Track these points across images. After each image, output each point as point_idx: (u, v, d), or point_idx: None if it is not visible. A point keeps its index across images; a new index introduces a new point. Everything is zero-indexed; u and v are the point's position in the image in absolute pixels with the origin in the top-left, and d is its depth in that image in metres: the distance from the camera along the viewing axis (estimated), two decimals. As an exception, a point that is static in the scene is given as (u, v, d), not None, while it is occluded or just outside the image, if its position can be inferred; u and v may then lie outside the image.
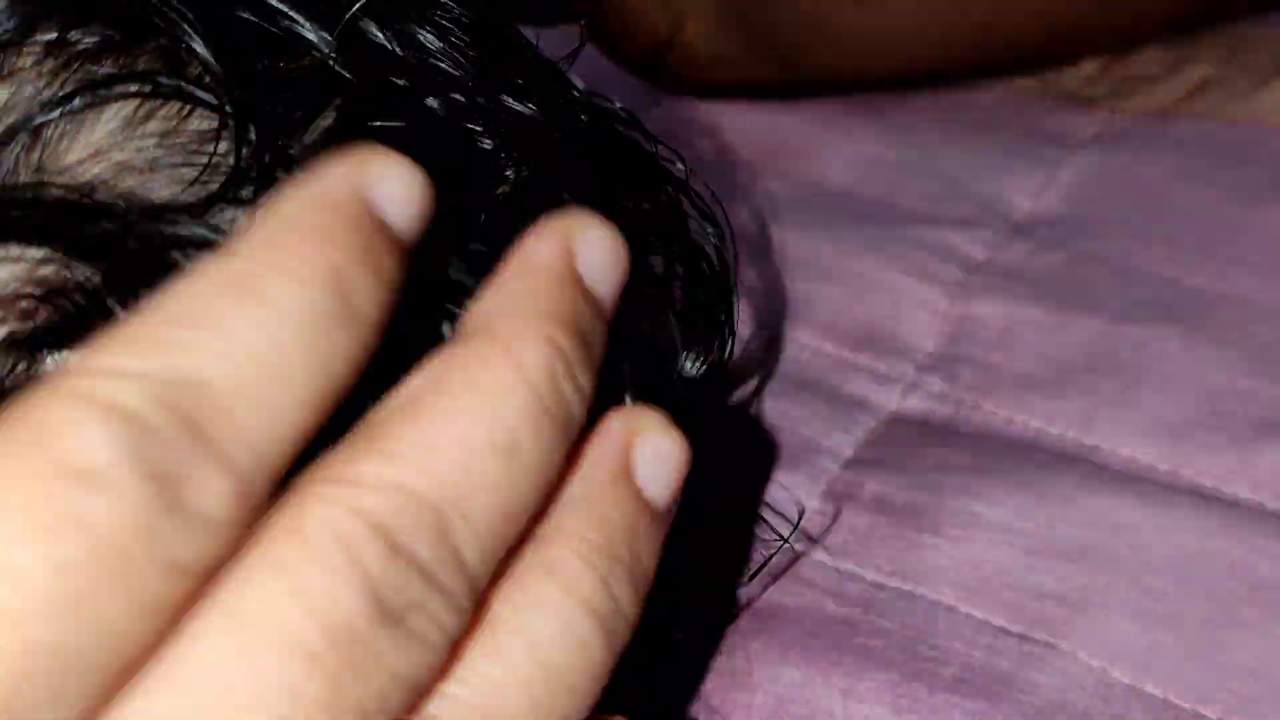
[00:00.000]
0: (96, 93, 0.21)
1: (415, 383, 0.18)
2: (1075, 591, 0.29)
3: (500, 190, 0.23)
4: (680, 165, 0.28)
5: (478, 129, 0.23)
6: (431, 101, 0.22)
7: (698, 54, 0.47)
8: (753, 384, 0.36)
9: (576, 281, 0.19)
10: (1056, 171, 0.44)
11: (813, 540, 0.32)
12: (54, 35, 0.21)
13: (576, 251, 0.19)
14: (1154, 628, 0.28)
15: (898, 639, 0.29)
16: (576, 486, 0.20)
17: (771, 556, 0.31)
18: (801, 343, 0.38)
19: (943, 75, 0.47)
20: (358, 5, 0.22)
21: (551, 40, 0.29)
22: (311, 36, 0.21)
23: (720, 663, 0.29)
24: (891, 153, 0.45)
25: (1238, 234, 0.39)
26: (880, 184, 0.44)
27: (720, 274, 0.28)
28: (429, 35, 0.23)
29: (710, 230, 0.29)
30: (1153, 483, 0.32)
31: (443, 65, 0.23)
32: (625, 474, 0.20)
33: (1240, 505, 0.31)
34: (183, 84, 0.21)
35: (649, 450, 0.21)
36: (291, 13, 0.21)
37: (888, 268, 0.39)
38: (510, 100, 0.23)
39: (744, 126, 0.47)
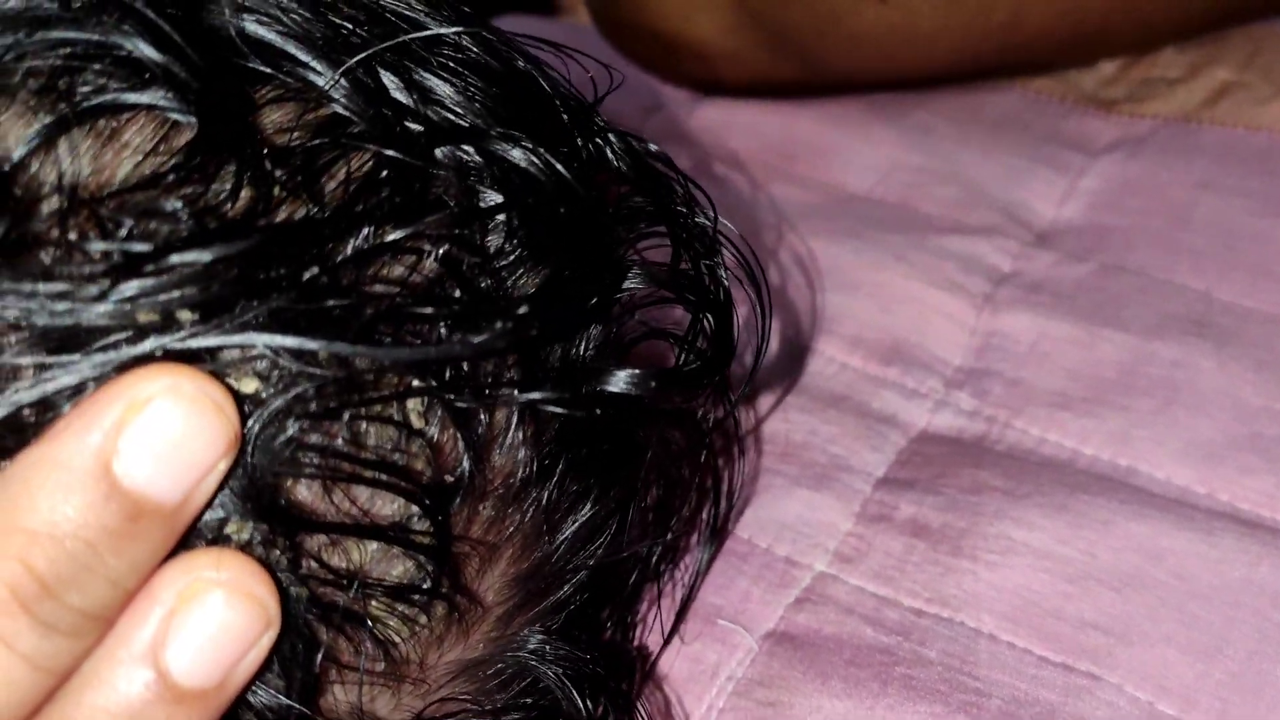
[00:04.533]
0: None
1: None
2: (1118, 621, 0.29)
3: (495, 247, 0.21)
4: (711, 212, 0.26)
5: (482, 183, 0.21)
6: (439, 152, 0.21)
7: (712, 51, 0.45)
8: (778, 398, 0.35)
9: (100, 481, 0.17)
10: (1079, 178, 0.43)
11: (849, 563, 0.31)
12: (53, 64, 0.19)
13: (121, 435, 0.17)
14: (1200, 660, 0.28)
15: (939, 669, 0.28)
16: (91, 662, 0.18)
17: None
18: (828, 356, 0.37)
19: (963, 75, 0.47)
20: (363, 55, 0.20)
21: (555, 31, 0.28)
22: (322, 84, 0.20)
23: (760, 693, 0.29)
24: (912, 156, 0.44)
25: (1265, 245, 0.39)
26: (901, 189, 0.43)
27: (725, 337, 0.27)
28: (441, 81, 0.22)
29: (749, 289, 0.27)
30: (1192, 506, 0.32)
31: (452, 116, 0.22)
32: (147, 653, 0.18)
33: (1280, 531, 0.31)
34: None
35: (194, 622, 0.18)
36: (305, 59, 0.20)
37: (913, 278, 0.39)
38: (517, 154, 0.21)
39: (760, 127, 0.46)
